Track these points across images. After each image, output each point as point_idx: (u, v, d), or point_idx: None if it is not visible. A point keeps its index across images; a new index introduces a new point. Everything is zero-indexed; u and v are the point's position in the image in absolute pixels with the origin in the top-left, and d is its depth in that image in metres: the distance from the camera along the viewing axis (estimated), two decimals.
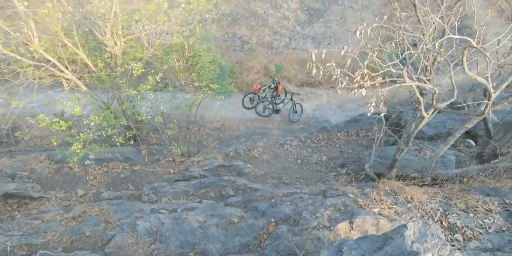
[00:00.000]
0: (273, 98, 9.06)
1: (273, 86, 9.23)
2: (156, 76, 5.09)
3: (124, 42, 5.91)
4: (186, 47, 6.02)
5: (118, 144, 5.38)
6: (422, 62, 5.60)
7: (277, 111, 9.11)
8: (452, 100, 3.86)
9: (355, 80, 3.08)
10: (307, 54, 12.96)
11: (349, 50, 3.00)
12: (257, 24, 13.92)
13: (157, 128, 6.50)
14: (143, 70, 5.71)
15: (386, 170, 5.34)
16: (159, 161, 6.16)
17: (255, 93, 9.24)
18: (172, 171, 5.86)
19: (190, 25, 6.21)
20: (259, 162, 6.63)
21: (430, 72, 5.81)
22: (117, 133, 5.46)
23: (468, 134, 6.88)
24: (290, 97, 9.08)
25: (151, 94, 5.46)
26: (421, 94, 4.26)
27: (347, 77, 3.16)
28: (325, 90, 11.19)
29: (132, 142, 6.19)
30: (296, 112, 9.23)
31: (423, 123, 4.12)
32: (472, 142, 6.85)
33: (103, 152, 5.66)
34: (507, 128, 6.16)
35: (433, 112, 4.02)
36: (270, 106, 8.97)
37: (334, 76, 3.36)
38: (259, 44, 13.13)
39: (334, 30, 14.07)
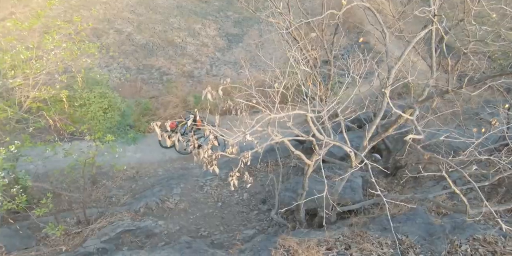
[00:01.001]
0: (194, 133, 8.57)
1: (191, 120, 8.76)
2: (10, 147, 4.24)
3: None
4: (65, 99, 5.32)
5: None
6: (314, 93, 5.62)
7: (199, 147, 8.60)
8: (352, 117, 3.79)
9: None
10: (229, 80, 12.85)
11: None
12: (175, 54, 13.50)
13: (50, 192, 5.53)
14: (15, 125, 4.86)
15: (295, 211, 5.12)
16: (48, 238, 5.17)
17: (173, 131, 8.66)
18: (64, 248, 4.90)
19: (70, 73, 5.53)
20: (175, 214, 5.99)
21: (325, 101, 5.88)
22: None
23: (373, 148, 7.12)
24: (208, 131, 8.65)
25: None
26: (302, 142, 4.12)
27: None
28: (251, 116, 11.05)
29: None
30: (219, 144, 8.81)
31: (310, 170, 3.98)
32: (378, 156, 7.10)
33: None
34: (402, 140, 6.47)
35: (316, 160, 3.90)
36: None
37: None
38: (179, 74, 12.66)
39: (254, 54, 14.25)
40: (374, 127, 3.86)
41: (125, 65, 12.29)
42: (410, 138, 3.23)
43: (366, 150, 3.96)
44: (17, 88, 5.27)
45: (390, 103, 3.05)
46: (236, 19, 15.66)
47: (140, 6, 15.22)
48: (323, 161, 4.84)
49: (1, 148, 4.25)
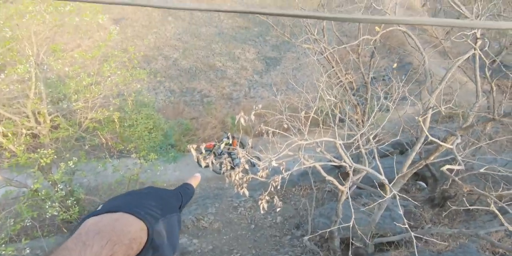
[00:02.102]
0: (229, 154, 8.79)
1: (228, 141, 9.03)
2: (69, 162, 4.76)
3: (51, 120, 5.67)
4: (116, 120, 5.89)
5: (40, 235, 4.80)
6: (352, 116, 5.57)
7: (232, 168, 8.78)
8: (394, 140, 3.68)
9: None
10: (265, 101, 13.15)
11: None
12: (216, 77, 14.24)
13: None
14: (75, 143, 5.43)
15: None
16: None
17: (211, 151, 8.97)
18: None
19: (122, 96, 6.13)
20: (209, 233, 6.08)
21: (363, 125, 5.75)
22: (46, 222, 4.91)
23: (418, 176, 6.68)
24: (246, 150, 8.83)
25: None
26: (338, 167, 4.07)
27: None
28: (283, 138, 11.09)
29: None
30: (254, 165, 8.92)
31: (344, 197, 3.87)
32: (423, 184, 6.63)
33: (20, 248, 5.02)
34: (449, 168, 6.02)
35: (351, 186, 3.80)
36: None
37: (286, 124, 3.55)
38: (218, 96, 13.27)
39: (290, 76, 14.52)
40: (414, 153, 3.71)
41: (170, 88, 13.19)
42: (446, 168, 3.05)
43: (404, 180, 3.79)
44: (78, 110, 5.95)
45: (426, 132, 2.95)
46: (274, 43, 16.23)
47: (186, 34, 16.47)
48: (360, 187, 4.69)
49: (61, 163, 4.78)
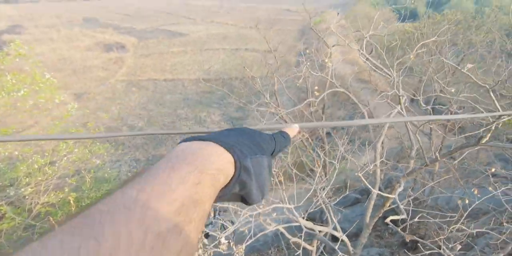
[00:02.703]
0: None
1: None
2: None
3: None
4: (72, 201, 5.52)
5: None
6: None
7: (206, 235, 8.23)
8: None
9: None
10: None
11: None
12: (185, 141, 14.30)
13: None
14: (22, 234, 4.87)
15: None
16: None
17: None
18: None
19: (80, 174, 5.88)
20: None
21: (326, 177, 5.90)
22: None
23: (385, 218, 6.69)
24: (217, 216, 8.45)
25: None
26: None
27: None
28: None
29: None
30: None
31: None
32: (395, 228, 6.60)
33: None
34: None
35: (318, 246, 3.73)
36: None
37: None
38: None
39: None
40: (372, 202, 3.80)
41: (136, 157, 12.91)
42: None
43: (369, 229, 3.79)
44: (28, 195, 5.53)
45: (368, 185, 3.09)
46: (238, 104, 17.13)
47: (151, 102, 16.93)
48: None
49: None
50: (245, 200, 0.44)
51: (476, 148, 3.52)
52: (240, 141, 0.44)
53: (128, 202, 0.27)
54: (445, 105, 4.96)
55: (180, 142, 0.42)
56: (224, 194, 0.39)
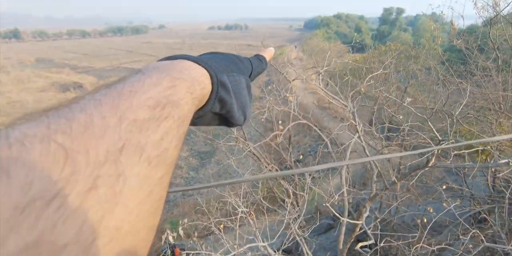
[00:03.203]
0: None
1: (169, 252, 8.15)
2: None
3: None
4: None
5: None
6: None
7: None
8: None
9: None
10: (205, 196, 12.84)
11: None
12: None
13: None
14: None
15: None
16: None
17: None
18: None
19: None
20: None
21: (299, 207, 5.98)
22: None
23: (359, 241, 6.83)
24: None
25: None
26: None
27: None
28: (232, 233, 10.56)
29: None
30: None
31: None
32: (368, 250, 6.74)
33: None
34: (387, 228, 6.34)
35: None
36: None
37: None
38: None
39: (227, 166, 14.89)
40: (343, 228, 3.92)
41: None
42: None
43: (344, 254, 3.87)
44: None
45: (337, 214, 3.25)
46: (206, 138, 17.04)
47: None
48: None
49: None
50: (227, 121, 0.41)
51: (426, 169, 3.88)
52: (215, 59, 0.40)
53: (98, 97, 0.24)
54: (398, 125, 5.43)
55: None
56: (203, 113, 0.36)
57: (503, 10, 5.58)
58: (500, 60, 6.21)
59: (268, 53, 0.57)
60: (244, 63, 0.46)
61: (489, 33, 5.88)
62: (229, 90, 0.38)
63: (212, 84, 0.36)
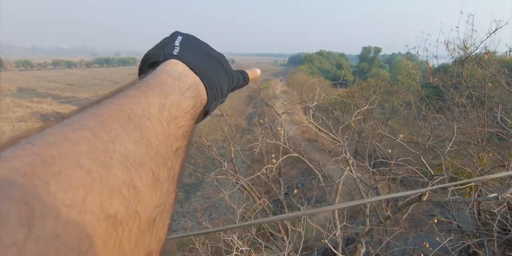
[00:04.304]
0: None
1: None
2: None
3: None
4: None
5: None
6: None
7: None
8: None
9: None
10: (189, 232, 12.23)
11: None
12: None
13: None
14: None
15: None
16: None
17: None
18: None
19: None
20: None
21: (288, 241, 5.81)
22: None
23: None
24: None
25: None
26: None
27: None
28: None
29: None
30: None
31: None
32: None
33: None
34: None
35: None
36: None
37: None
38: None
39: (214, 200, 14.45)
40: None
41: None
42: None
43: None
44: None
45: (335, 250, 3.20)
46: (192, 169, 16.65)
47: None
48: None
49: None
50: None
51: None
52: (207, 66, 0.39)
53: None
54: (383, 156, 5.58)
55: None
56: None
57: (472, 52, 6.11)
58: (474, 97, 6.67)
59: (253, 73, 0.54)
60: (227, 68, 0.44)
61: (462, 72, 6.38)
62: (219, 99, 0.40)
63: (207, 98, 0.37)
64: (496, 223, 3.85)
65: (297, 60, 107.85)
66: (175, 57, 0.36)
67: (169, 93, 0.30)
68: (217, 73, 0.41)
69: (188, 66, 0.36)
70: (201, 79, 0.36)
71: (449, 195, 2.96)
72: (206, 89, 0.36)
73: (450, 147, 5.08)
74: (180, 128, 0.29)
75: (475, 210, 5.16)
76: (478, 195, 3.97)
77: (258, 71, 0.56)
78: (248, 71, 0.53)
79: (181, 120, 0.30)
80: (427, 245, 3.61)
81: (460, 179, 3.16)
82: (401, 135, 3.50)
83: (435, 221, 3.99)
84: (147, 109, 0.26)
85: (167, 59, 0.36)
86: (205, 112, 0.38)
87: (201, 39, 0.44)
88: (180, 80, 0.33)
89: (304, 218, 4.13)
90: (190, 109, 0.32)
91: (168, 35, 0.43)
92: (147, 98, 0.27)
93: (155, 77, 0.32)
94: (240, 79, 0.49)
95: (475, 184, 2.99)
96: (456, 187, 3.79)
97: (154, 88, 0.29)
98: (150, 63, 0.37)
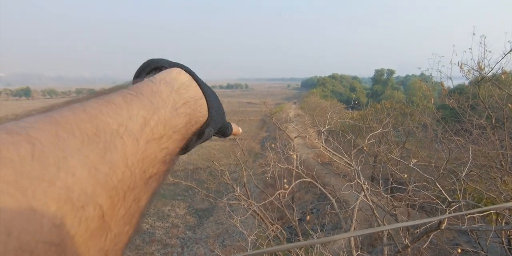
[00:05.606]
0: None
1: None
2: None
3: None
4: None
5: None
6: None
7: None
8: None
9: None
10: None
11: None
12: (143, 242, 12.81)
13: None
14: None
15: None
16: None
17: None
18: None
19: None
20: None
21: None
22: None
23: None
24: None
25: None
26: None
27: None
28: None
29: None
30: None
31: None
32: None
33: None
34: None
35: None
36: None
37: None
38: None
39: (227, 226, 14.13)
40: None
41: None
42: None
43: None
44: None
45: None
46: (205, 194, 16.51)
47: None
48: None
49: None
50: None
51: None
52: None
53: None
54: (400, 181, 5.35)
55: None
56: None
57: (488, 73, 5.99)
58: (493, 119, 6.46)
59: (236, 129, 0.50)
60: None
61: (478, 93, 6.24)
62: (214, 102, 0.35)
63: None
64: None
65: (310, 84, 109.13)
66: (181, 66, 0.33)
67: (160, 107, 0.26)
68: (219, 102, 0.37)
69: (193, 78, 0.32)
70: (203, 93, 0.32)
71: (471, 223, 2.78)
72: (208, 105, 0.32)
73: (471, 171, 4.86)
74: (163, 150, 0.25)
75: (504, 239, 4.80)
76: (506, 223, 3.71)
77: (240, 130, 0.51)
78: (233, 125, 0.49)
79: (166, 140, 0.25)
80: None
81: (479, 206, 2.98)
82: (414, 160, 3.39)
83: (459, 251, 3.72)
84: (125, 124, 0.22)
85: (172, 67, 0.32)
86: (199, 134, 0.32)
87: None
88: (178, 92, 0.29)
89: (317, 246, 3.96)
90: (181, 128, 0.27)
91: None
92: (130, 109, 0.23)
93: (149, 85, 0.27)
94: (229, 127, 0.44)
95: (495, 211, 2.81)
96: (481, 214, 3.57)
97: (143, 99, 0.25)
98: (152, 68, 0.33)
